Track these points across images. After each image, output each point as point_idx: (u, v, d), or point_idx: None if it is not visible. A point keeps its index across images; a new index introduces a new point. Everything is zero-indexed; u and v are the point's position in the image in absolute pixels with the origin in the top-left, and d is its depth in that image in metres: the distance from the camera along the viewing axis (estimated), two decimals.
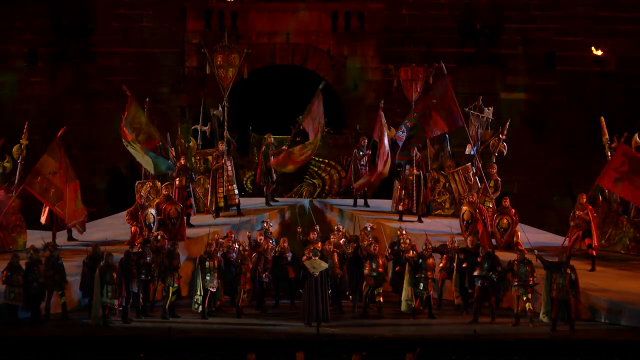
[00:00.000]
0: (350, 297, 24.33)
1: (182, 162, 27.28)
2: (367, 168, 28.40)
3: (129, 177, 33.51)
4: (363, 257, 23.80)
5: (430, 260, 23.47)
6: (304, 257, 23.20)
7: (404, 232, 24.87)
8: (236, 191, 28.02)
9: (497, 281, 23.05)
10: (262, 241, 24.49)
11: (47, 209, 26.01)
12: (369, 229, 25.49)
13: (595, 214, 25.40)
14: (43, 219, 26.32)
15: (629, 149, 25.77)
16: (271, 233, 25.69)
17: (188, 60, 35.80)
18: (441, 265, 24.16)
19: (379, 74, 35.56)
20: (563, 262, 22.50)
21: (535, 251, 22.91)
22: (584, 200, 25.31)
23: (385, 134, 27.21)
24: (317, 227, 25.71)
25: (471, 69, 35.40)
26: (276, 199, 29.35)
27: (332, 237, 24.90)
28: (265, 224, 25.88)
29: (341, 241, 24.66)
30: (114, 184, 35.10)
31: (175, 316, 23.13)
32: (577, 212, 25.17)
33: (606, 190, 26.77)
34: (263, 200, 28.94)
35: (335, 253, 23.99)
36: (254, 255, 24.05)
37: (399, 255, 24.21)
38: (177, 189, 26.81)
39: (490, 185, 27.13)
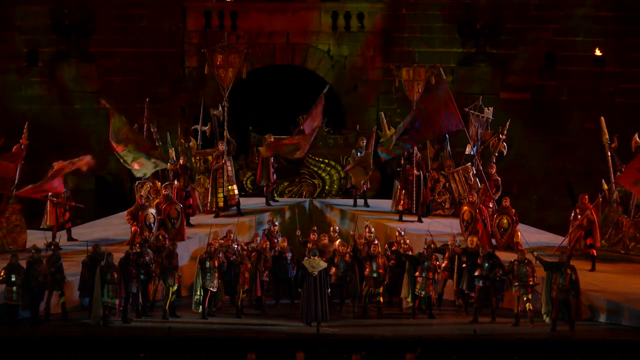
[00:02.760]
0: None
1: (182, 162, 27.34)
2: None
3: (130, 178, 33.51)
4: (363, 257, 23.78)
5: (433, 261, 23.46)
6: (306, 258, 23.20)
7: (402, 233, 24.87)
8: (236, 191, 28.03)
9: (498, 281, 23.06)
10: (259, 241, 24.47)
11: (49, 210, 26.14)
12: (372, 229, 25.47)
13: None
14: (48, 221, 26.40)
15: None
16: (277, 232, 25.67)
17: (188, 60, 35.74)
18: (443, 265, 24.14)
19: (379, 74, 35.53)
20: (563, 262, 22.49)
21: (535, 252, 22.91)
22: (586, 200, 25.32)
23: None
24: (315, 228, 25.69)
25: (471, 69, 35.37)
26: (276, 198, 29.36)
27: (335, 240, 24.85)
28: (269, 224, 25.87)
29: (337, 242, 24.64)
30: (115, 184, 35.04)
31: (175, 316, 23.13)
32: (580, 212, 25.17)
33: (606, 190, 26.76)
34: (263, 200, 28.95)
35: (347, 254, 23.92)
36: (253, 254, 24.04)
37: (398, 255, 24.18)
38: (177, 189, 26.89)
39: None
